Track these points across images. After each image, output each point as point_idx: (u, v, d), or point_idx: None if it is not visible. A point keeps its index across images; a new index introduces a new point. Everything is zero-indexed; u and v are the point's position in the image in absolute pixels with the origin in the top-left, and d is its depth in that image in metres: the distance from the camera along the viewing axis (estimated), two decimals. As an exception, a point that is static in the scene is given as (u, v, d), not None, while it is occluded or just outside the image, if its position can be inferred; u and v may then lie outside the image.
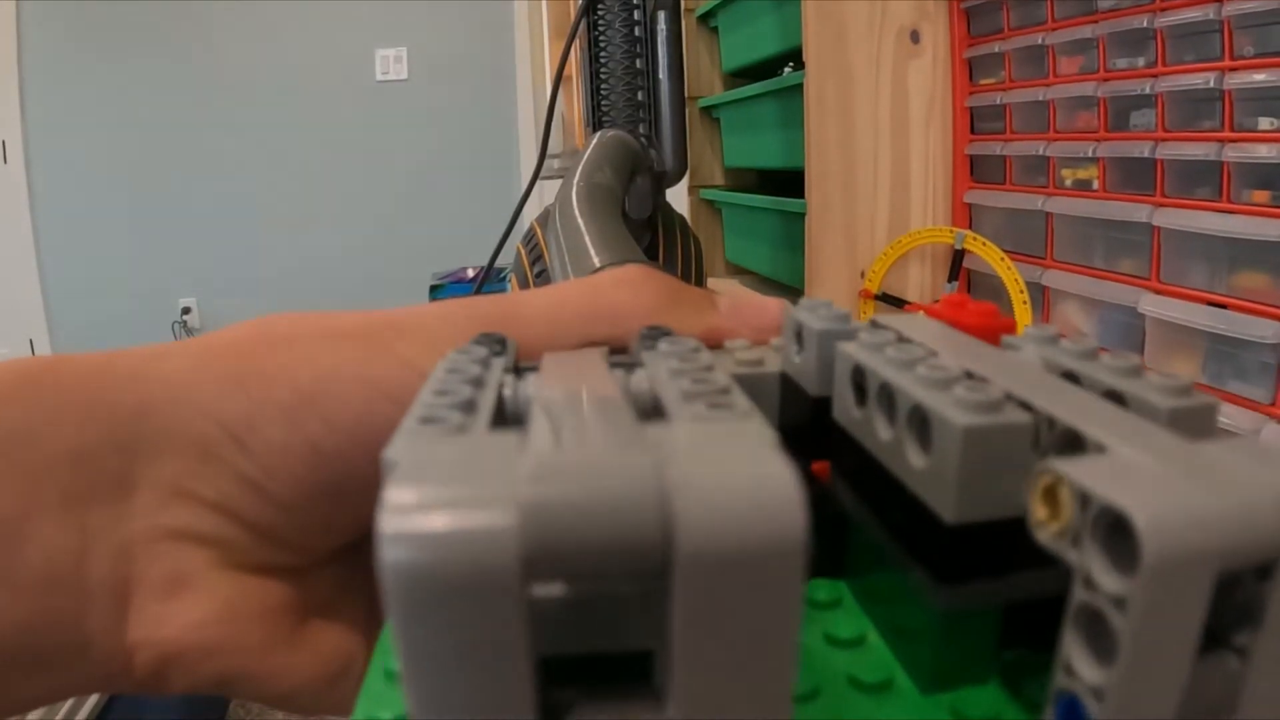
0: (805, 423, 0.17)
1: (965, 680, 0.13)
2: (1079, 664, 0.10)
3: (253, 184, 3.05)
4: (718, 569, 0.07)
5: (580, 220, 0.69)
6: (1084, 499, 0.10)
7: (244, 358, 0.19)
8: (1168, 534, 0.09)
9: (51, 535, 0.17)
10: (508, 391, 0.14)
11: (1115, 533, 0.10)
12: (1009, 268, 0.84)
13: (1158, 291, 0.74)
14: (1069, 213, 0.82)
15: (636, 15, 0.86)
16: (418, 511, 0.07)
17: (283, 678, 0.19)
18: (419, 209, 3.08)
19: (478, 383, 0.13)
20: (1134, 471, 0.10)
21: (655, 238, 0.85)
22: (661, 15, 0.85)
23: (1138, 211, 0.74)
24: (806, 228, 0.92)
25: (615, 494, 0.07)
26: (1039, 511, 0.11)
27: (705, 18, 1.24)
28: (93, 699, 0.79)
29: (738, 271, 1.29)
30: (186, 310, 3.09)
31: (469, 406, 0.12)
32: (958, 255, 0.89)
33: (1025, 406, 0.12)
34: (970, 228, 0.92)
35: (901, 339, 0.15)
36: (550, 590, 0.10)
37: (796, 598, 0.08)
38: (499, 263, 0.96)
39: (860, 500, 0.15)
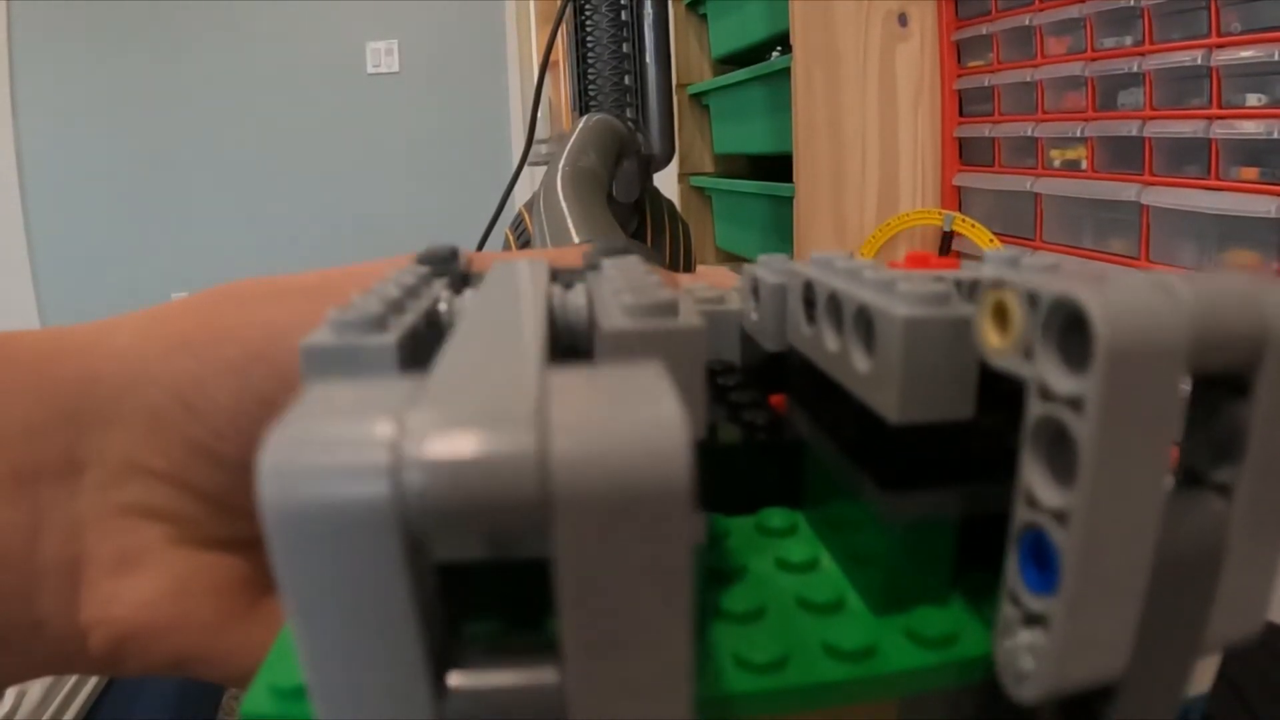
0: (764, 360, 0.17)
1: (920, 601, 0.13)
2: (1040, 489, 0.10)
3: (244, 177, 3.04)
4: (598, 517, 0.07)
5: (564, 204, 0.69)
6: (1031, 299, 0.09)
7: (191, 321, 0.19)
8: (1123, 317, 0.08)
9: (1, 513, 0.17)
10: (444, 306, 0.13)
11: (1069, 333, 0.09)
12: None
13: (1147, 271, 0.73)
14: (1058, 193, 0.81)
15: (623, 0, 0.85)
16: (297, 450, 0.07)
17: (239, 656, 0.18)
18: (412, 201, 3.08)
19: (411, 292, 0.13)
20: (1084, 274, 0.10)
21: (643, 221, 0.84)
22: (648, 0, 0.85)
23: (1126, 191, 0.74)
24: (795, 211, 0.92)
25: (490, 446, 0.07)
26: (991, 337, 0.10)
27: (694, 4, 1.24)
28: (86, 691, 0.78)
29: (728, 258, 1.28)
30: (177, 301, 3.08)
31: (396, 307, 0.12)
32: (946, 237, 0.89)
33: (974, 285, 0.12)
34: (959, 210, 0.92)
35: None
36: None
37: (684, 548, 0.08)
38: (491, 251, 0.95)
39: (813, 422, 0.15)
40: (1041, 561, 0.10)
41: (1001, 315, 0.10)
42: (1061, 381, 0.09)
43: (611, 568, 0.08)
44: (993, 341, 0.10)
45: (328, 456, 0.07)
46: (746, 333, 0.18)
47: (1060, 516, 0.09)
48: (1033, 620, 0.10)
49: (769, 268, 0.16)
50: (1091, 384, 0.09)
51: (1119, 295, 0.09)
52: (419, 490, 0.07)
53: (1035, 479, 0.10)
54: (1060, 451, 0.09)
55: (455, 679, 0.09)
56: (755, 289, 0.17)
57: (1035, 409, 0.10)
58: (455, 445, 0.07)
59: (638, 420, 0.07)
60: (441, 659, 0.09)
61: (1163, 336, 0.09)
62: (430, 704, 0.08)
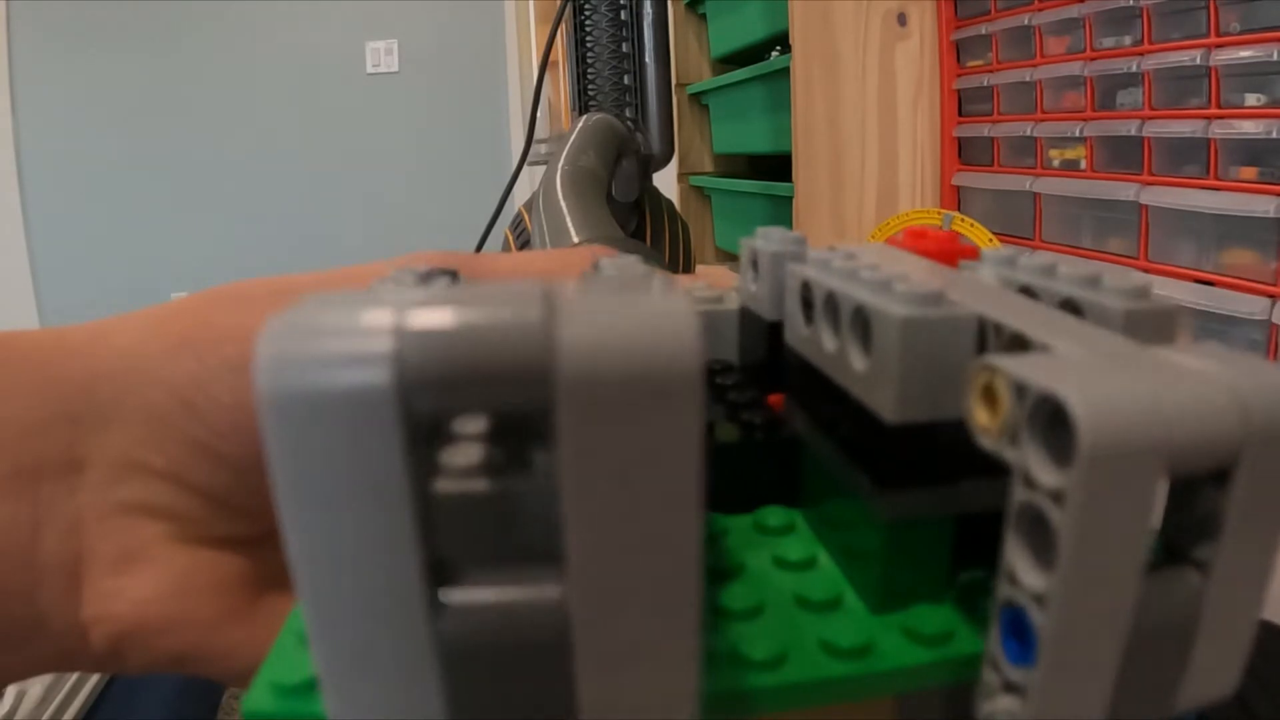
0: (763, 356, 0.17)
1: (917, 599, 0.13)
2: (1021, 571, 0.10)
3: (244, 177, 3.04)
4: (603, 395, 0.07)
5: (563, 202, 0.69)
6: (1020, 390, 0.10)
7: (192, 321, 0.19)
8: (1106, 421, 0.09)
9: (2, 511, 0.17)
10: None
11: (1054, 426, 0.09)
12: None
13: (1146, 270, 0.73)
14: (1057, 193, 0.81)
15: (622, 0, 0.85)
16: (293, 337, 0.07)
17: (239, 653, 0.18)
18: (411, 200, 3.08)
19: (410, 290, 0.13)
20: (1074, 364, 0.10)
21: (642, 221, 0.84)
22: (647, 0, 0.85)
23: (1125, 190, 0.74)
24: (794, 211, 0.92)
25: (496, 316, 0.07)
26: (980, 415, 0.10)
27: (693, 4, 1.24)
28: (86, 690, 0.78)
29: (728, 257, 1.28)
30: (178, 301, 3.08)
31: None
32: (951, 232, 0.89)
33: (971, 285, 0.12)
34: (959, 209, 0.92)
35: (852, 257, 0.15)
36: (453, 488, 0.09)
37: (694, 436, 0.07)
38: (490, 250, 0.95)
39: (810, 420, 0.15)
40: (1021, 636, 0.10)
41: (990, 395, 0.10)
42: (1045, 473, 0.09)
43: (616, 456, 0.07)
44: (981, 421, 0.10)
45: (327, 343, 0.07)
46: (744, 323, 0.18)
47: (1039, 599, 0.10)
48: (1011, 688, 0.10)
49: (767, 238, 0.17)
50: (1073, 481, 0.09)
51: (1107, 391, 0.09)
52: (421, 361, 0.07)
53: (1017, 560, 0.10)
54: (1041, 536, 0.10)
55: (452, 595, 0.08)
56: (754, 260, 0.17)
57: (1019, 495, 0.10)
58: (459, 316, 0.07)
59: (646, 306, 0.07)
60: (439, 572, 0.08)
61: (1150, 437, 0.09)
62: (425, 617, 0.08)
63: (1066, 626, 0.10)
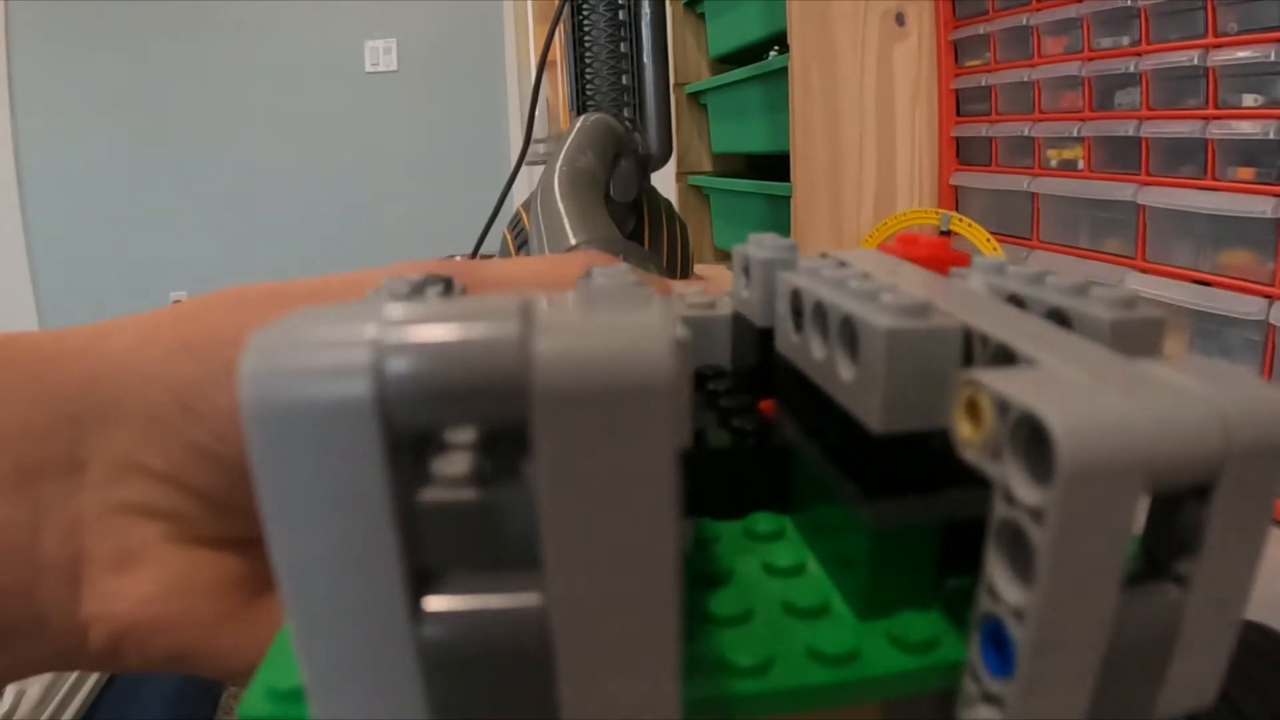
0: (756, 362, 0.17)
1: (904, 605, 0.13)
2: (1001, 585, 0.10)
3: (243, 176, 3.04)
4: (578, 408, 0.07)
5: (560, 203, 0.69)
6: (1002, 407, 0.10)
7: (192, 324, 0.19)
8: (1085, 441, 0.09)
9: (2, 510, 0.17)
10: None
11: (1034, 443, 0.09)
12: (995, 249, 0.84)
13: (1143, 270, 0.73)
14: (1055, 193, 0.82)
15: (620, -1, 0.85)
16: (277, 351, 0.07)
17: (237, 653, 0.19)
18: (410, 200, 3.08)
19: (405, 299, 0.13)
20: (1056, 380, 0.10)
21: (641, 221, 0.84)
22: (645, -1, 0.85)
23: (1123, 190, 0.74)
24: (792, 211, 0.92)
25: (473, 330, 0.07)
26: (963, 428, 0.10)
27: (692, 3, 1.24)
28: (86, 690, 0.79)
29: (726, 258, 1.28)
30: (178, 304, 3.08)
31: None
32: (943, 237, 0.89)
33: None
34: (957, 209, 0.92)
35: (843, 265, 0.15)
36: (435, 497, 0.09)
37: (665, 450, 0.07)
38: (488, 250, 0.95)
39: (800, 427, 0.15)
40: (1000, 647, 0.10)
41: (973, 409, 0.10)
42: (1025, 491, 0.09)
43: (592, 467, 0.07)
44: (965, 434, 0.10)
45: (307, 356, 0.07)
46: (736, 330, 0.18)
47: (1018, 613, 0.10)
48: (990, 699, 0.11)
49: (760, 245, 0.17)
50: (1053, 500, 0.09)
51: (1087, 411, 0.09)
52: (400, 375, 0.07)
53: (997, 574, 0.10)
54: (1021, 552, 0.10)
55: (434, 602, 0.09)
56: (746, 267, 0.17)
57: (1000, 510, 0.10)
58: (437, 331, 0.07)
59: (621, 321, 0.07)
60: (421, 580, 0.09)
61: (1130, 456, 0.09)
62: (407, 624, 0.08)
63: (1045, 641, 0.10)
